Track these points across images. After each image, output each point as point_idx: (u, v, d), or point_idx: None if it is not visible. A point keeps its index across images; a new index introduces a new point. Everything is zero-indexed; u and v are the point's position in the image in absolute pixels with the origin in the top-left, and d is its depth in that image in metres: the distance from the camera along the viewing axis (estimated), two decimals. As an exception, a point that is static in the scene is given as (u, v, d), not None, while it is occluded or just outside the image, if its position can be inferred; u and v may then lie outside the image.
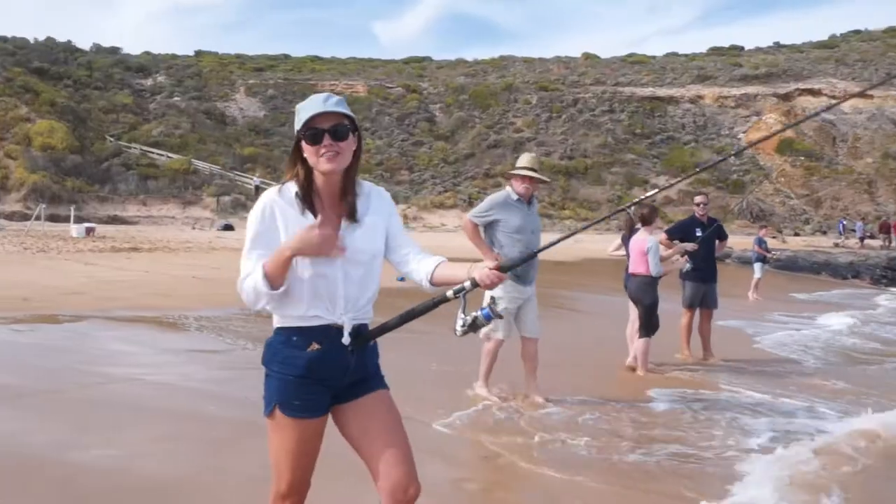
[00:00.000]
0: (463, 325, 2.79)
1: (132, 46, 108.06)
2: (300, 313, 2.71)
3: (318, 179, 2.76)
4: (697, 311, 9.85)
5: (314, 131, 2.66)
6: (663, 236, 9.63)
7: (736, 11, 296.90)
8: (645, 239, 8.52)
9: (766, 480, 4.89)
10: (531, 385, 6.90)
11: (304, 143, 2.69)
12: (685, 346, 9.78)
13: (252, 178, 52.87)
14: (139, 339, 8.59)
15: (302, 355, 2.71)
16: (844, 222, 45.77)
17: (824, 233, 49.41)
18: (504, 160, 59.45)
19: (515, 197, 6.88)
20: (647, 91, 67.79)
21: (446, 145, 62.55)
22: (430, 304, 2.80)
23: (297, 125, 2.68)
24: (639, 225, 8.80)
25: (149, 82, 68.84)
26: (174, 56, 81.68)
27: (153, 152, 53.80)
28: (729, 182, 55.36)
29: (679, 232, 9.85)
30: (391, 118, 66.13)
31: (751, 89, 66.21)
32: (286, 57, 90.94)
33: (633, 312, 9.07)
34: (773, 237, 34.45)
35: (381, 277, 2.85)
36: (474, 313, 2.77)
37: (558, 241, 3.10)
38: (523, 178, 6.90)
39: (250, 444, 5.05)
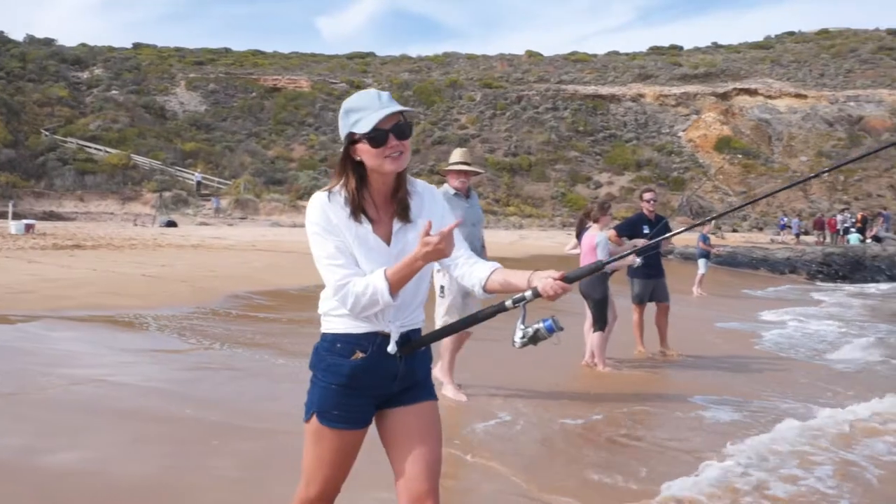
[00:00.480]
0: (523, 338, 2.68)
1: (67, 38, 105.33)
2: (347, 319, 2.65)
3: (375, 181, 2.67)
4: (653, 307, 10.02)
5: (379, 133, 2.56)
6: (612, 233, 9.75)
7: (674, 11, 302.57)
8: (594, 234, 8.66)
9: (711, 476, 4.99)
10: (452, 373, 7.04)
11: (361, 145, 2.59)
12: (639, 342, 9.96)
13: (194, 174, 52.09)
14: (97, 340, 8.41)
15: (345, 363, 2.64)
16: (784, 219, 46.94)
17: (761, 229, 50.64)
18: (449, 157, 59.48)
19: (453, 191, 7.10)
20: (590, 89, 68.62)
21: (390, 142, 62.33)
22: (489, 311, 2.71)
23: (352, 127, 2.59)
24: (590, 224, 8.92)
25: (85, 75, 67.22)
26: (111, 48, 79.91)
27: (90, 147, 52.62)
28: (670, 179, 56.39)
29: (627, 229, 9.91)
30: (335, 114, 65.46)
31: (690, 88, 67.51)
32: (227, 51, 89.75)
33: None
34: (713, 233, 35.14)
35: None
36: (536, 325, 2.66)
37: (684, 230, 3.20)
38: (458, 172, 7.12)
39: (222, 446, 5.02)
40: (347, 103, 2.64)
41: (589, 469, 5.03)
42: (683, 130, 63.38)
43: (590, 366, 8.71)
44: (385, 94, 2.66)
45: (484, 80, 70.28)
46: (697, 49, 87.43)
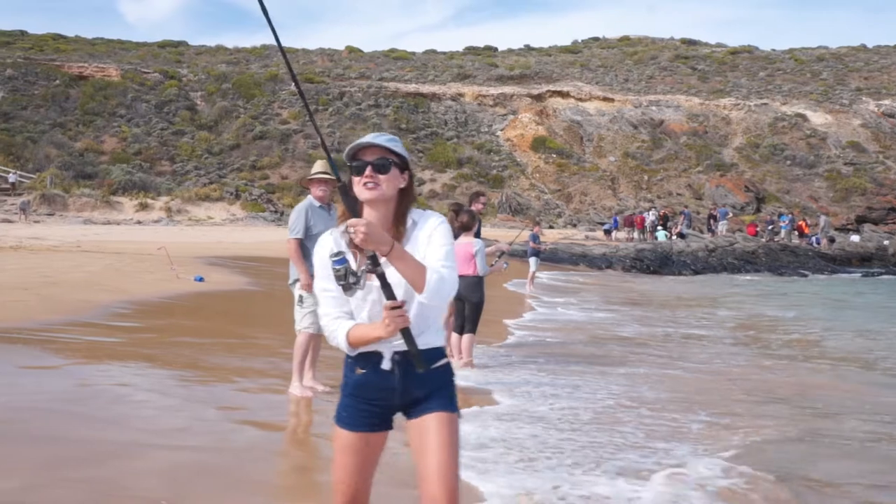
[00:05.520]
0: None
1: None
2: None
3: (367, 214, 2.96)
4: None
5: (359, 163, 2.92)
6: None
7: (486, 13, 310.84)
8: (470, 242, 9.16)
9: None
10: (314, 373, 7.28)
11: (351, 175, 2.93)
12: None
13: (9, 172, 47.99)
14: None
15: (352, 376, 3.03)
16: (618, 218, 48.97)
17: (574, 225, 53.29)
18: (271, 152, 58.50)
19: (318, 204, 7.27)
20: (412, 87, 69.46)
21: (210, 135, 60.46)
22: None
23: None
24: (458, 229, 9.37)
25: None
26: None
27: None
28: (490, 177, 58.16)
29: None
30: (149, 105, 62.79)
31: (507, 89, 69.81)
32: (23, 34, 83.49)
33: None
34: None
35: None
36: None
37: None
38: (319, 181, 7.29)
39: (125, 465, 4.96)
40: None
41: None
42: (501, 130, 65.53)
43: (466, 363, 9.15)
44: (385, 136, 2.98)
45: (305, 75, 69.43)
46: (511, 51, 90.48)
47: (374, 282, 2.84)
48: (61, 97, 61.60)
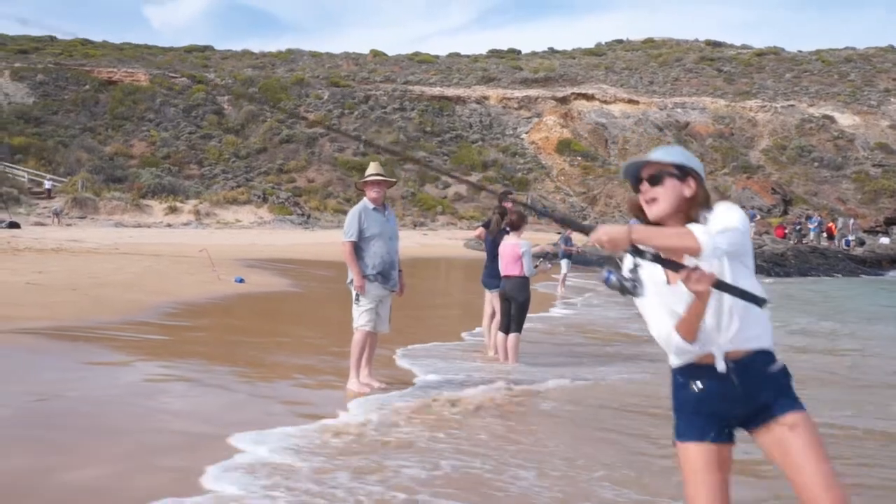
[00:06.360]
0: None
1: None
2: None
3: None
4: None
5: (636, 181, 2.93)
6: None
7: (509, 15, 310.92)
8: (518, 243, 9.30)
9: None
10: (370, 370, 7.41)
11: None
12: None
13: (45, 178, 48.81)
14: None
15: (688, 394, 2.92)
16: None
17: (599, 228, 53.34)
18: (297, 155, 59.01)
19: (372, 206, 7.36)
20: (436, 90, 69.76)
21: (237, 139, 61.09)
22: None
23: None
24: (507, 228, 9.53)
25: None
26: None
27: None
28: (515, 180, 58.30)
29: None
30: (177, 109, 63.51)
31: (531, 92, 69.97)
32: (52, 39, 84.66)
33: (490, 308, 9.84)
34: (558, 233, 36.78)
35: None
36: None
37: None
38: (374, 183, 7.38)
39: (201, 456, 5.13)
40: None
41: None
42: (526, 132, 65.68)
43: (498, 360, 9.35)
44: (658, 149, 3.01)
45: (331, 79, 70.01)
46: (535, 53, 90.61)
47: (659, 276, 2.83)
48: (91, 102, 62.43)
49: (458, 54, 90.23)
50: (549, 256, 11.13)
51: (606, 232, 2.62)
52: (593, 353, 10.60)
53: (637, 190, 2.92)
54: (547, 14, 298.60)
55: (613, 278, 2.72)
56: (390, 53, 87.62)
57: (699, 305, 2.70)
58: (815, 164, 61.68)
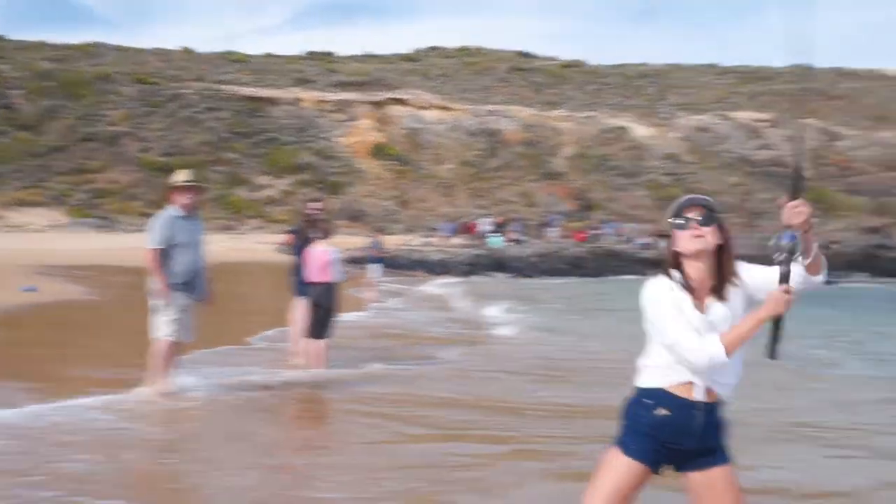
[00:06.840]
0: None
1: None
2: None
3: (689, 268, 3.19)
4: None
5: (684, 219, 3.19)
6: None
7: (324, 17, 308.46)
8: (328, 250, 9.57)
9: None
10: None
11: (673, 230, 3.24)
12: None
13: None
14: None
15: (648, 416, 3.15)
16: (455, 225, 50.17)
17: (412, 231, 54.16)
18: (100, 154, 56.03)
19: (179, 213, 7.38)
20: (249, 90, 68.24)
21: (30, 136, 57.11)
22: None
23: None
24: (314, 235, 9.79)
25: None
26: None
27: None
28: (328, 183, 58.10)
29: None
30: (-34, 103, 58.52)
31: (347, 95, 69.86)
32: None
33: (297, 314, 10.00)
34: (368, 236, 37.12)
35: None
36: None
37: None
38: (186, 188, 7.42)
39: None
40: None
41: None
42: (341, 136, 65.58)
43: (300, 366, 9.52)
44: (701, 196, 3.31)
45: (137, 76, 66.82)
46: (351, 57, 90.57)
47: (717, 314, 3.07)
48: None
49: (272, 55, 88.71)
50: (361, 262, 11.43)
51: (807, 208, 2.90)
52: (390, 357, 10.98)
53: (678, 226, 3.21)
54: (361, 18, 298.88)
55: (788, 243, 2.96)
56: (201, 51, 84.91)
57: (760, 319, 2.99)
58: (613, 172, 65.64)
